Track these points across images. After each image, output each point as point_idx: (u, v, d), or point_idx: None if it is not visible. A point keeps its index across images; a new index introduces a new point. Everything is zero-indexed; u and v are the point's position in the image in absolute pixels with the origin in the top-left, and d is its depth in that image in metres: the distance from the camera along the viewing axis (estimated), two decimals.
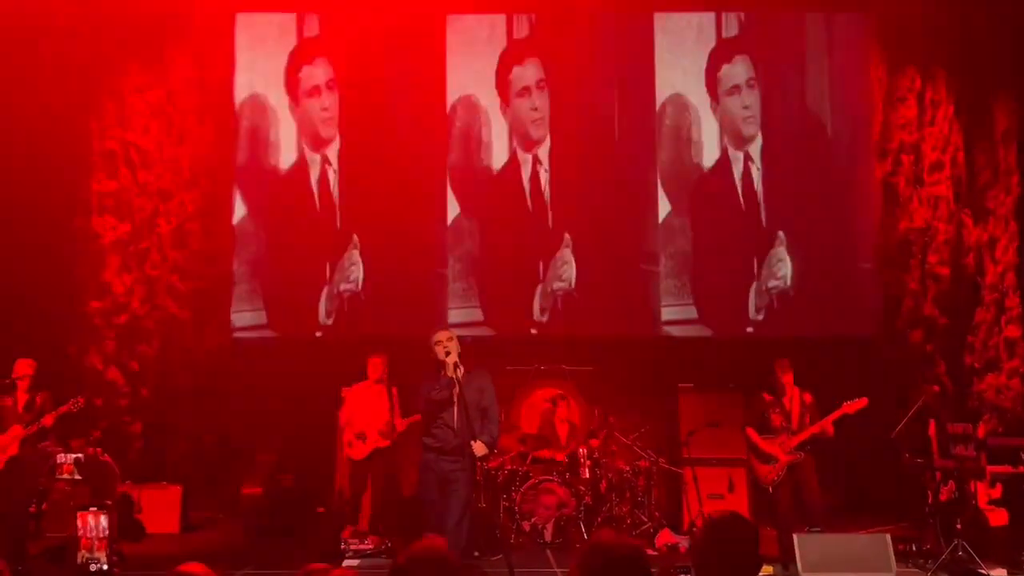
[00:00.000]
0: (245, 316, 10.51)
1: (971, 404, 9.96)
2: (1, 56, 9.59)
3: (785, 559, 7.02)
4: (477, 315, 10.41)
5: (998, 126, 10.33)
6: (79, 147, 10.30)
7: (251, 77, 10.73)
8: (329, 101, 10.71)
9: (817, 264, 10.47)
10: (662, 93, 10.59)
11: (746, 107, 10.60)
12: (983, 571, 7.00)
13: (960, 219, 10.36)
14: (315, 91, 10.71)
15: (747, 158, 10.58)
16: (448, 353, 6.21)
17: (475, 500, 7.34)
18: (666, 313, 10.44)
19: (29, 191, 9.75)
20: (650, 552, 8.02)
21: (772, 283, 10.45)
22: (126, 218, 10.35)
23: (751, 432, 7.59)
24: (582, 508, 8.47)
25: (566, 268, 10.43)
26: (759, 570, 2.98)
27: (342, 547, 8.05)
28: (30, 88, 9.78)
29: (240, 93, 10.72)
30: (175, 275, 10.39)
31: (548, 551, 8.18)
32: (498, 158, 10.60)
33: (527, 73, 10.66)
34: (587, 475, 8.67)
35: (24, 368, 7.57)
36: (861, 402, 7.38)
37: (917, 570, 7.30)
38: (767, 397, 7.64)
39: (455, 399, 6.20)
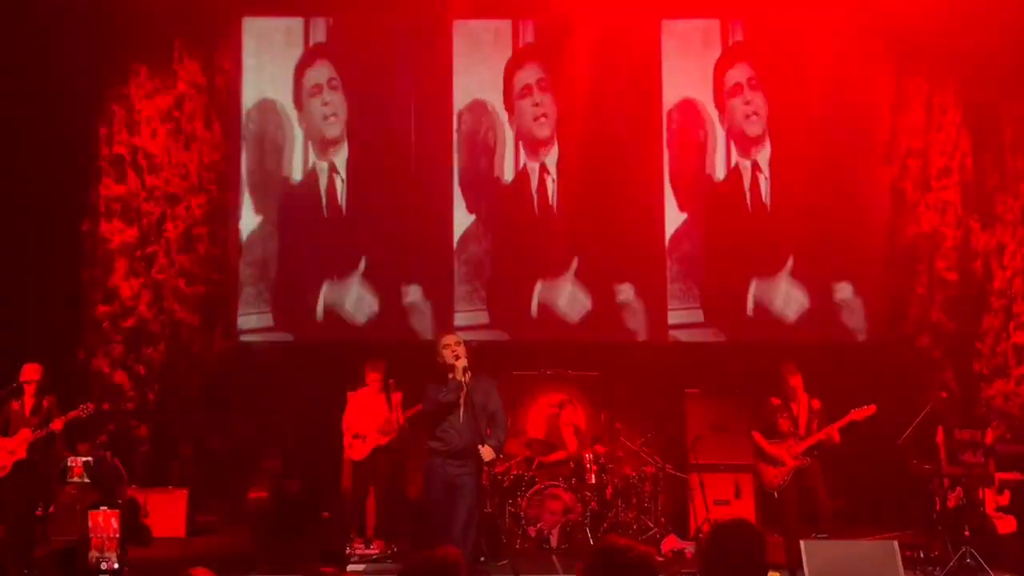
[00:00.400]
0: (251, 319, 10.52)
1: (979, 410, 9.92)
2: (10, 61, 9.63)
3: (792, 566, 6.99)
4: (483, 318, 10.40)
5: (1006, 131, 10.31)
6: (87, 152, 10.36)
7: (259, 82, 10.74)
8: (336, 105, 10.72)
9: (825, 270, 10.43)
10: (668, 99, 10.58)
11: (747, 102, 10.56)
12: None
13: (968, 224, 10.33)
14: (318, 90, 10.68)
15: (755, 167, 10.56)
16: (458, 357, 6.21)
17: (482, 505, 7.32)
18: (672, 317, 10.42)
19: (37, 195, 9.80)
20: (656, 558, 7.99)
21: (776, 312, 10.39)
22: (134, 222, 10.39)
23: (757, 436, 7.59)
24: (588, 514, 8.45)
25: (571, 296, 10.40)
26: None
27: (347, 551, 8.04)
28: (39, 93, 9.81)
29: (248, 98, 10.74)
30: (182, 279, 10.40)
31: (554, 556, 8.16)
32: (507, 164, 10.60)
33: (528, 75, 10.66)
34: (593, 480, 8.64)
35: (32, 372, 7.58)
36: (869, 409, 7.36)
37: None
38: (775, 402, 7.64)
39: (462, 402, 6.21)
